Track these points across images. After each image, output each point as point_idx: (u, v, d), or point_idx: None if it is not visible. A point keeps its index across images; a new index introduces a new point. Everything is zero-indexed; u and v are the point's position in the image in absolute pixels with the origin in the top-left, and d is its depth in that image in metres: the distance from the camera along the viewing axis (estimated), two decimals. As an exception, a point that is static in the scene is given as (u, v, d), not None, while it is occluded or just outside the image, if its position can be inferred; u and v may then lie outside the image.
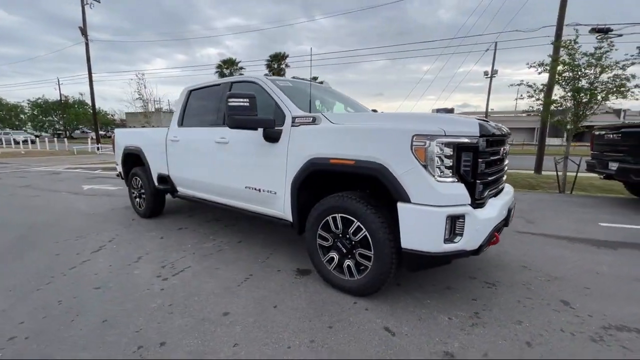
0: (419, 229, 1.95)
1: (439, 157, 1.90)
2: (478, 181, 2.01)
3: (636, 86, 6.28)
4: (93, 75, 20.66)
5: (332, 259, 2.41)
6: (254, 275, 2.72)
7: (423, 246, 1.95)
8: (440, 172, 1.91)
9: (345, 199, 2.26)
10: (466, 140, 1.94)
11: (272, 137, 2.64)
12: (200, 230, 4.03)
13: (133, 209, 4.85)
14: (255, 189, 2.89)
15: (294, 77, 3.55)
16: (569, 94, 6.77)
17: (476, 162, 1.99)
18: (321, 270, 2.50)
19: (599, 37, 7.32)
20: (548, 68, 6.84)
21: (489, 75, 25.89)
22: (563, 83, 6.71)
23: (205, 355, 1.74)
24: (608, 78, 6.42)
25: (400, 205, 1.98)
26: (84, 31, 20.65)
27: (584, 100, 6.68)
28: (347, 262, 2.33)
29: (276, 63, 40.56)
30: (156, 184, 4.26)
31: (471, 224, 1.95)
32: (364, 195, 2.28)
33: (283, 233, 3.84)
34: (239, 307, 2.23)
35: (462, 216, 1.92)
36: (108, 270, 2.86)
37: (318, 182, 2.56)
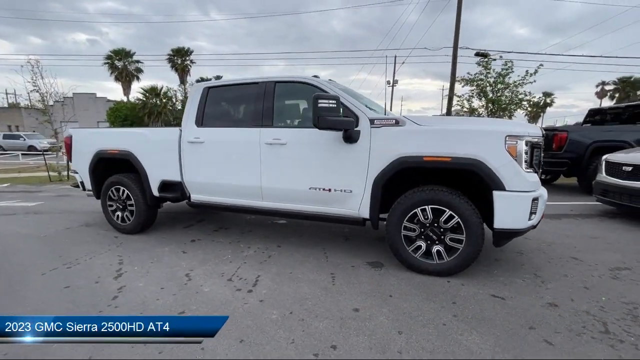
0: (512, 211, 2.42)
1: (524, 153, 2.41)
2: (540, 170, 2.60)
3: (527, 100, 8.41)
4: None
5: (419, 247, 2.69)
6: (337, 274, 2.76)
7: (514, 225, 2.44)
8: (525, 165, 2.42)
9: (437, 191, 2.57)
10: (536, 140, 2.51)
11: (353, 137, 2.74)
12: (219, 239, 3.69)
13: (111, 225, 4.03)
14: (324, 189, 2.92)
15: (314, 76, 3.58)
16: (484, 103, 8.57)
17: (540, 156, 2.58)
18: (407, 259, 2.74)
19: (482, 60, 9.49)
20: (474, 80, 8.50)
21: (390, 84, 29.57)
22: (481, 95, 8.44)
23: (387, 345, 1.81)
24: (509, 93, 8.40)
25: (496, 193, 2.41)
26: None
27: (493, 110, 8.55)
28: (436, 247, 2.64)
29: (180, 59, 37.20)
30: (156, 192, 3.70)
31: (540, 203, 2.53)
32: (451, 188, 2.63)
33: (314, 233, 3.87)
34: (360, 302, 2.30)
35: (537, 198, 2.48)
36: (166, 292, 2.47)
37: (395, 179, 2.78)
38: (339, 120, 2.60)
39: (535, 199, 2.45)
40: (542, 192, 2.61)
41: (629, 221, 4.37)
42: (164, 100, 29.30)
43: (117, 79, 33.14)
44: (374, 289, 2.50)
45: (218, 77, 39.93)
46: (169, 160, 3.55)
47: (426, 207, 2.60)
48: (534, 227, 2.61)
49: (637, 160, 4.18)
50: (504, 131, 2.41)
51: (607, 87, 41.73)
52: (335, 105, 2.57)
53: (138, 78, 34.42)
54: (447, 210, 2.55)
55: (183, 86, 37.39)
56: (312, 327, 2.01)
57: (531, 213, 2.47)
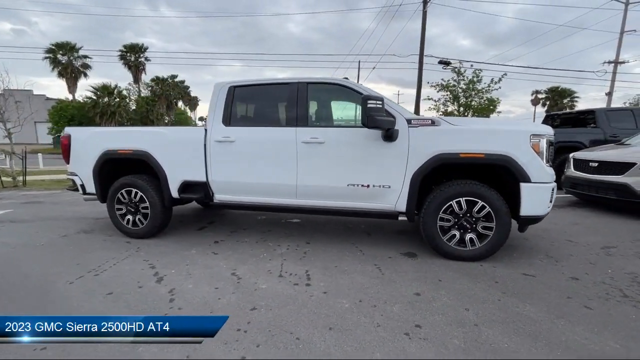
0: (536, 200, 2.78)
1: (545, 150, 2.79)
2: (552, 164, 3.01)
3: (493, 105, 9.33)
4: None
5: (454, 235, 2.95)
6: (380, 265, 2.92)
7: (537, 212, 2.81)
8: (545, 160, 2.80)
9: (471, 185, 2.86)
10: (551, 138, 2.91)
11: (392, 136, 2.92)
12: (244, 239, 3.67)
13: (119, 230, 3.78)
14: (362, 185, 3.07)
15: (344, 78, 3.72)
16: (456, 107, 9.33)
17: (553, 152, 2.99)
18: (442, 247, 2.98)
19: (455, 67, 10.36)
20: (447, 85, 9.23)
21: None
22: (454, 100, 9.19)
23: (462, 321, 2.02)
24: (478, 99, 9.25)
25: (523, 185, 2.75)
26: None
27: (464, 113, 9.35)
28: (469, 235, 2.92)
29: (133, 55, 34.89)
30: (175, 194, 3.56)
31: (554, 193, 2.93)
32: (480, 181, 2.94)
33: (335, 230, 3.99)
34: (416, 287, 2.49)
35: (554, 188, 2.87)
36: (223, 292, 2.45)
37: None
38: (385, 119, 2.78)
39: (553, 189, 2.84)
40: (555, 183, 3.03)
41: (595, 209, 5.11)
42: (117, 100, 27.21)
43: (60, 75, 30.05)
44: (421, 275, 2.71)
45: (174, 76, 38.10)
46: (193, 160, 3.45)
47: (461, 199, 2.88)
48: (547, 214, 3.01)
49: (601, 157, 4.92)
50: (528, 131, 2.77)
51: (540, 96, 46.93)
52: (381, 106, 2.75)
53: (85, 75, 31.57)
54: (480, 202, 2.84)
55: (137, 85, 35.08)
56: (387, 311, 2.15)
57: (549, 201, 2.86)
